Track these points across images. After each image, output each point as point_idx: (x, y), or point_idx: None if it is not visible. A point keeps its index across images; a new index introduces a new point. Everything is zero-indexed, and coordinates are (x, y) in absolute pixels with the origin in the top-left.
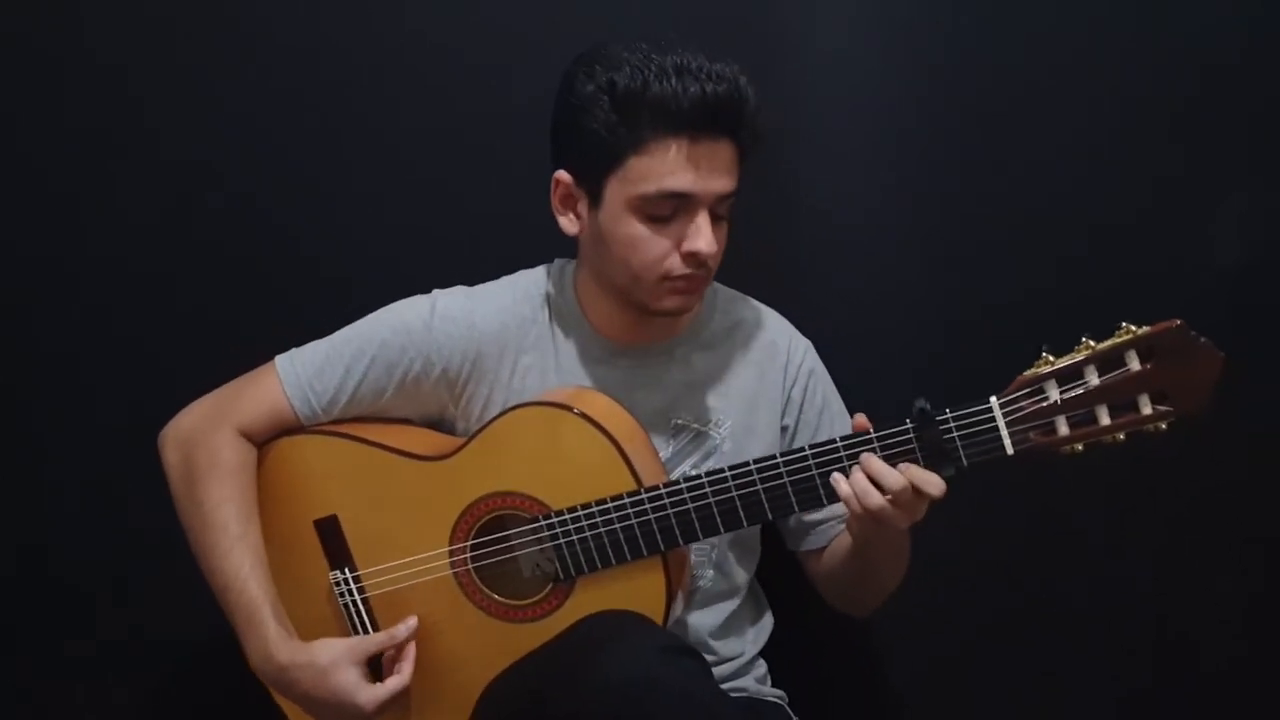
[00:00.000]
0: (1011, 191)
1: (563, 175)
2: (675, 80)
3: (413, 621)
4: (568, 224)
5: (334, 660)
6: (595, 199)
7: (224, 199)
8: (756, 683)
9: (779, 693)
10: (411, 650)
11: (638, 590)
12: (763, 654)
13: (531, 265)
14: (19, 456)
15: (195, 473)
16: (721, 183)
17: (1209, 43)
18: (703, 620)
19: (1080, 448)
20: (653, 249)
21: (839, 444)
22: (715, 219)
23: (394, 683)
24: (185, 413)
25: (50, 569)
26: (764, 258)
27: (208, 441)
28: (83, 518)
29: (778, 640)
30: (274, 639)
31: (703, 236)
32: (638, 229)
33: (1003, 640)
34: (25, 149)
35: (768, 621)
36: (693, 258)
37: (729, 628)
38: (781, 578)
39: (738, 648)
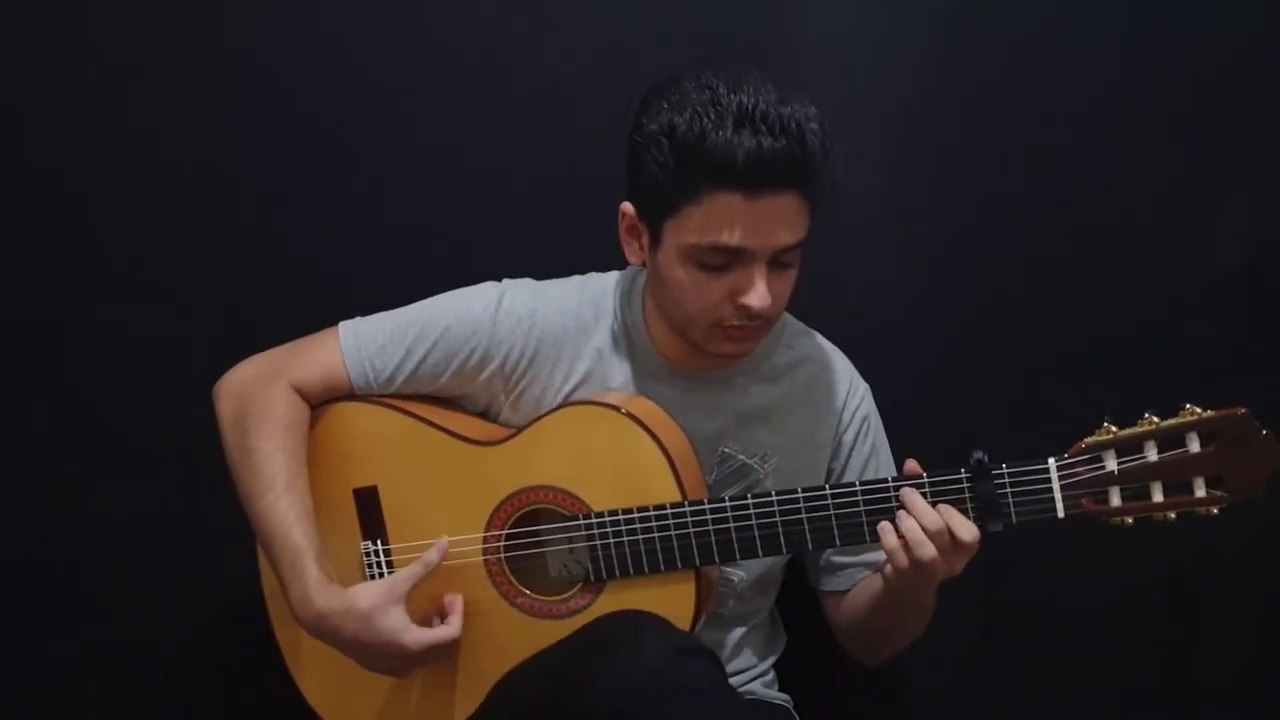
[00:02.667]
0: (1010, 191)
1: (628, 208)
2: (733, 132)
3: (444, 543)
4: (631, 255)
5: (375, 604)
6: (654, 238)
7: (237, 201)
8: (764, 687)
9: (784, 696)
10: (460, 603)
11: (667, 601)
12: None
13: (565, 265)
14: (16, 456)
15: (248, 422)
16: (780, 237)
17: (1210, 43)
18: (719, 638)
19: (1130, 521)
20: (705, 297)
21: (889, 483)
22: (780, 266)
23: (443, 631)
24: (241, 365)
25: (47, 568)
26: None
27: (263, 394)
28: (79, 517)
29: (786, 647)
30: (313, 586)
31: (756, 292)
32: (691, 275)
33: (1003, 642)
34: (24, 147)
35: (781, 642)
36: (745, 310)
37: (744, 646)
38: (788, 586)
39: (750, 662)
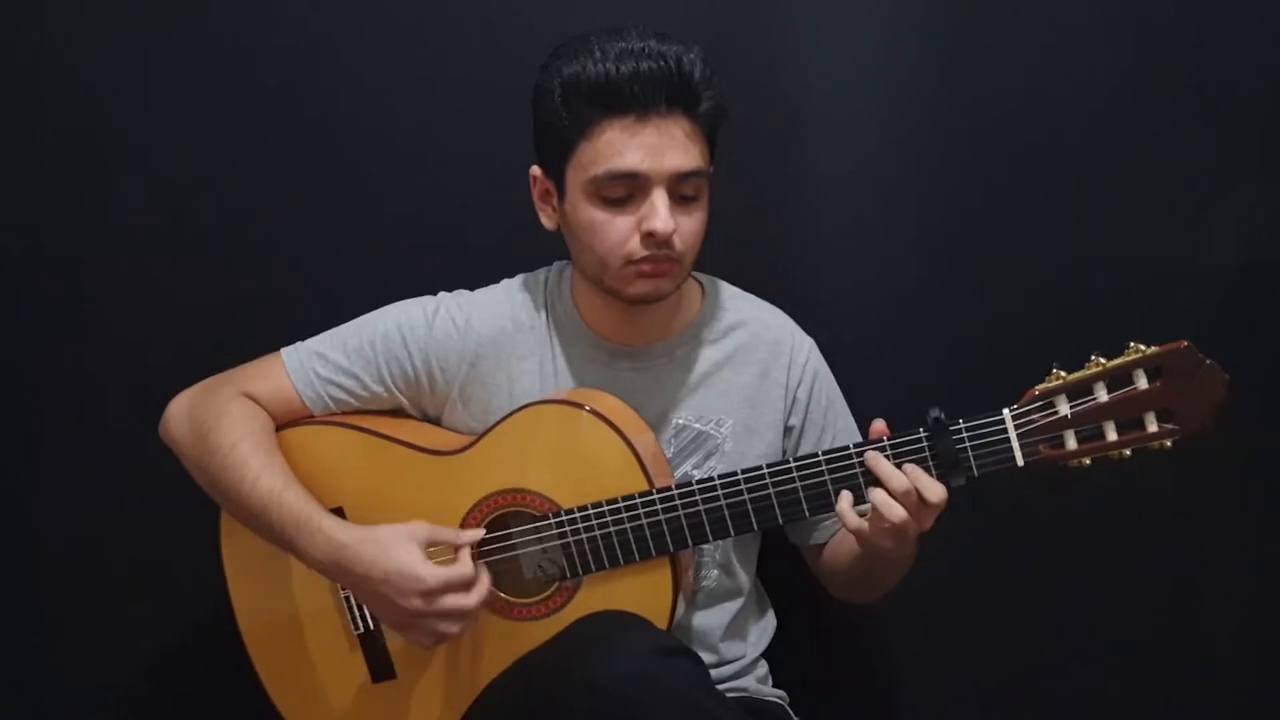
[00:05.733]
0: (1010, 190)
1: (535, 170)
2: (613, 62)
3: (480, 531)
4: (546, 219)
5: (394, 537)
6: (560, 190)
7: (219, 200)
8: (757, 683)
9: (780, 693)
10: (486, 576)
11: (644, 590)
12: (764, 654)
13: (529, 267)
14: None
15: (204, 427)
16: (673, 160)
17: (1210, 42)
18: (708, 621)
19: (1088, 462)
20: (612, 233)
21: (851, 450)
22: (683, 200)
23: (460, 569)
24: (181, 394)
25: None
26: (764, 257)
27: (213, 400)
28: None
29: (779, 640)
30: (329, 525)
31: (659, 216)
32: (596, 214)
33: (1002, 641)
34: (23, 146)
35: (770, 623)
36: (651, 238)
37: (733, 629)
38: (783, 577)
39: (740, 649)
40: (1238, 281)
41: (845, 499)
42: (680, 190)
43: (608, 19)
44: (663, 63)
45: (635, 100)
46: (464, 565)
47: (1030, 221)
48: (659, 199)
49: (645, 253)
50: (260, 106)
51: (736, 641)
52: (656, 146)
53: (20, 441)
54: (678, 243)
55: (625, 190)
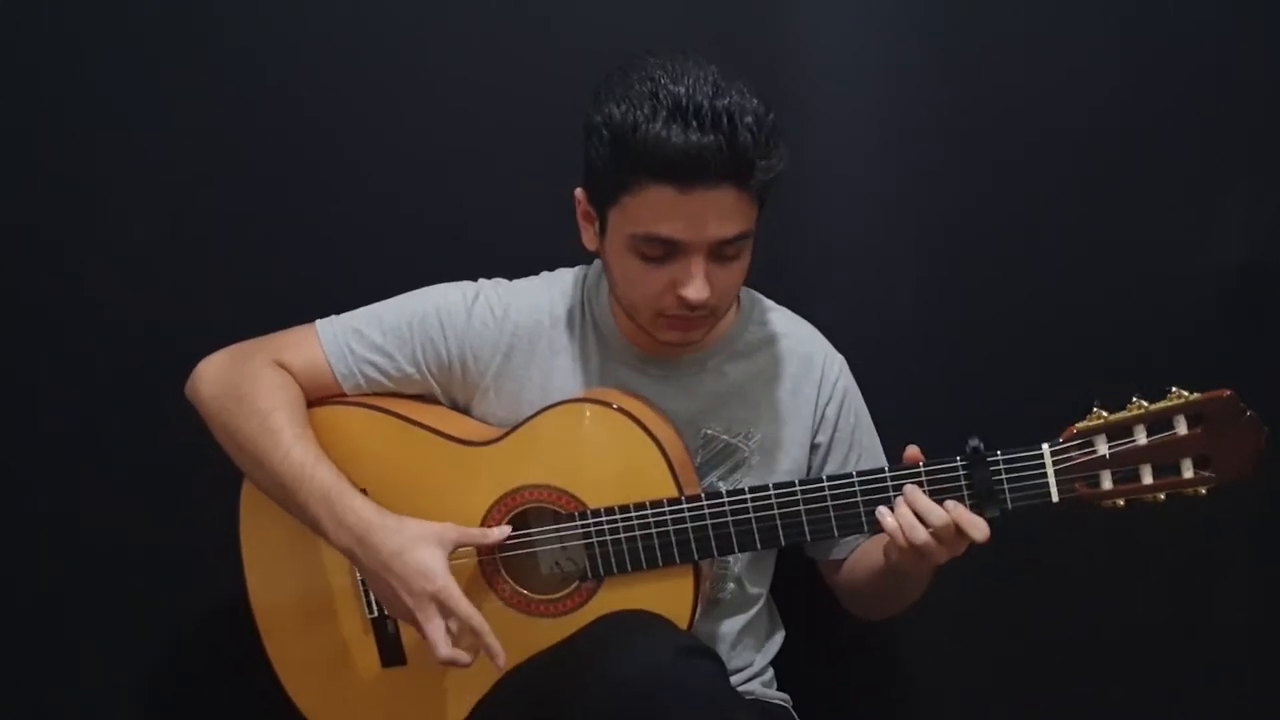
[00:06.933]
0: (1010, 190)
1: (580, 194)
2: (663, 125)
3: (506, 529)
4: (588, 240)
5: (423, 534)
6: (602, 226)
7: (219, 200)
8: (763, 686)
9: (784, 695)
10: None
11: (665, 596)
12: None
13: (531, 268)
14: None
15: (238, 391)
16: (716, 230)
17: (1210, 42)
18: (720, 631)
19: (1121, 503)
20: (647, 286)
21: (886, 474)
22: (722, 259)
23: (474, 614)
24: (210, 357)
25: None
26: (763, 257)
27: (246, 365)
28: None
29: (783, 644)
30: (358, 503)
31: (693, 284)
32: (633, 264)
33: (1002, 642)
34: (24, 146)
35: (779, 637)
36: (683, 301)
37: (744, 639)
38: (787, 583)
39: (749, 658)
40: (1238, 281)
41: (885, 513)
42: (721, 252)
43: (610, 19)
44: (715, 136)
45: (682, 173)
46: (481, 621)
47: (1030, 221)
48: (696, 266)
49: (676, 311)
50: (260, 106)
51: (747, 651)
52: (699, 217)
53: (19, 441)
54: (711, 299)
55: (663, 251)
